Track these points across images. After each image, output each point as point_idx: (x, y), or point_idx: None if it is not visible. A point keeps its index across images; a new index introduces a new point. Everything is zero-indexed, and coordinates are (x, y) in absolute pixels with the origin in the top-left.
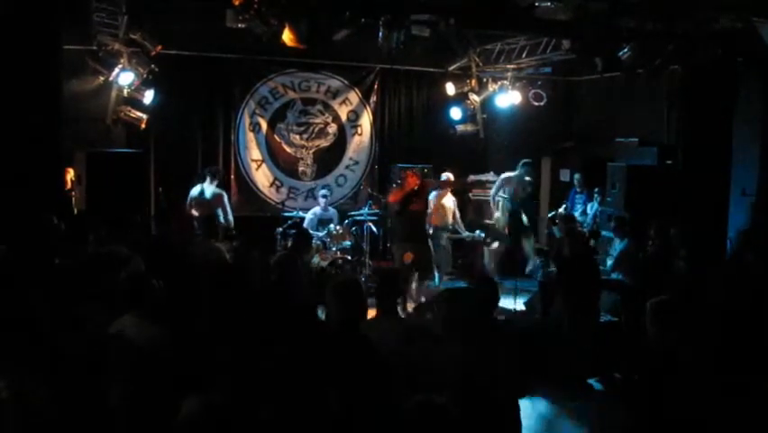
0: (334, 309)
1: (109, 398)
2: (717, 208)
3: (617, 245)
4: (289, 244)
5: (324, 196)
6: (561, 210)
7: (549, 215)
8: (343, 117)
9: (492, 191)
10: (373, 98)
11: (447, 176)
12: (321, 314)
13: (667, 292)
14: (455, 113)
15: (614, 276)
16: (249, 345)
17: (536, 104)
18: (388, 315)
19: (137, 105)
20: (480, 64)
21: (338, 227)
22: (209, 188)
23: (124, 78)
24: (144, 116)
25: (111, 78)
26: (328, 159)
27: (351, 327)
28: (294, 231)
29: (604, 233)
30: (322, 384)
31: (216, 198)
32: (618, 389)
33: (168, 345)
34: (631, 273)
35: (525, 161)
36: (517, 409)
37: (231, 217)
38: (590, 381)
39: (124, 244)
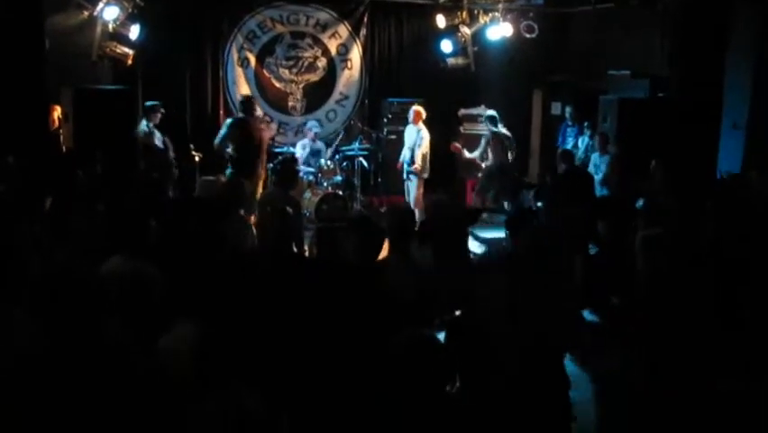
0: (350, 246)
1: (97, 336)
2: (709, 141)
3: (599, 160)
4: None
5: (314, 127)
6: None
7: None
8: (333, 51)
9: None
10: (363, 32)
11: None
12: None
13: (659, 226)
14: (446, 46)
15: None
16: (247, 278)
17: (528, 36)
18: (401, 254)
19: (123, 40)
20: None
21: (329, 162)
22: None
23: (109, 12)
24: (131, 52)
25: (95, 13)
26: (318, 93)
27: (366, 263)
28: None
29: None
30: (330, 317)
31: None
32: (614, 321)
33: (161, 285)
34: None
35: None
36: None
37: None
38: (584, 312)
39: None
